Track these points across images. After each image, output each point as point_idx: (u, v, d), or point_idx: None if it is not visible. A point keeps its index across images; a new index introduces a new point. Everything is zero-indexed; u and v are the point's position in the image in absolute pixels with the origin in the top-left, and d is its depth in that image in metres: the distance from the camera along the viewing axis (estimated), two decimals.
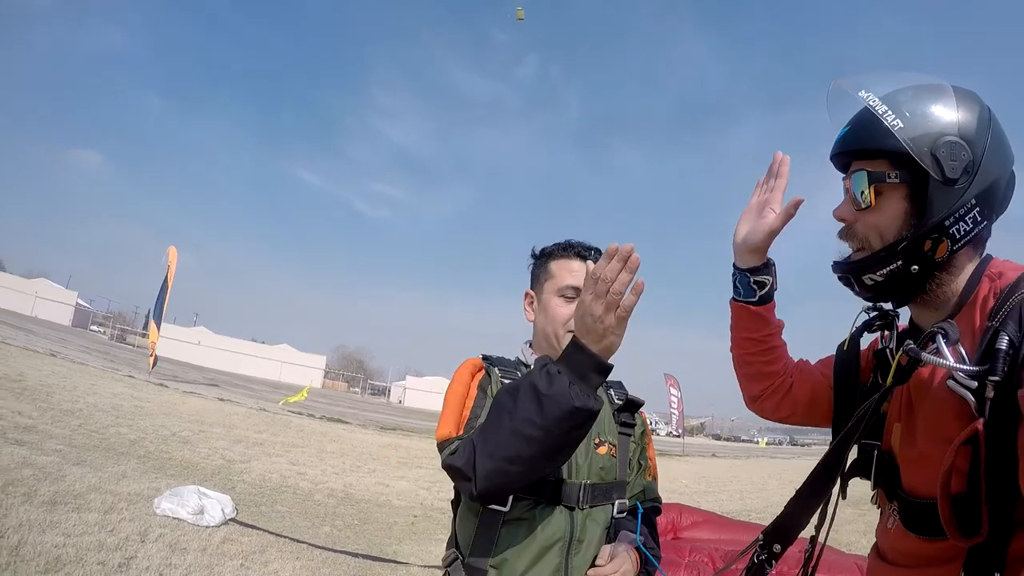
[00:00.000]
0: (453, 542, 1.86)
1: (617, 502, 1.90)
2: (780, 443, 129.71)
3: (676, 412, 44.87)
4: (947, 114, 1.24)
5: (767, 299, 1.63)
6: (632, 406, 2.05)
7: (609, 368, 1.48)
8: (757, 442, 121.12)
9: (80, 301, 67.17)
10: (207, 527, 6.40)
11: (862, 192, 1.32)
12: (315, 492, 9.68)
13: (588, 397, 1.44)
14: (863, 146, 1.33)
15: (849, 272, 1.36)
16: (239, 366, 61.49)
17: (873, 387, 1.42)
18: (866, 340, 1.58)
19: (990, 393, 1.05)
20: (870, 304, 1.45)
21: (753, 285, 1.59)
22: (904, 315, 1.47)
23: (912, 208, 1.26)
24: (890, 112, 1.24)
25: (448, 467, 1.63)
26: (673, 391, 43.95)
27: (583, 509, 1.79)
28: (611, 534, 1.87)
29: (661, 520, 7.69)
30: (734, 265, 1.64)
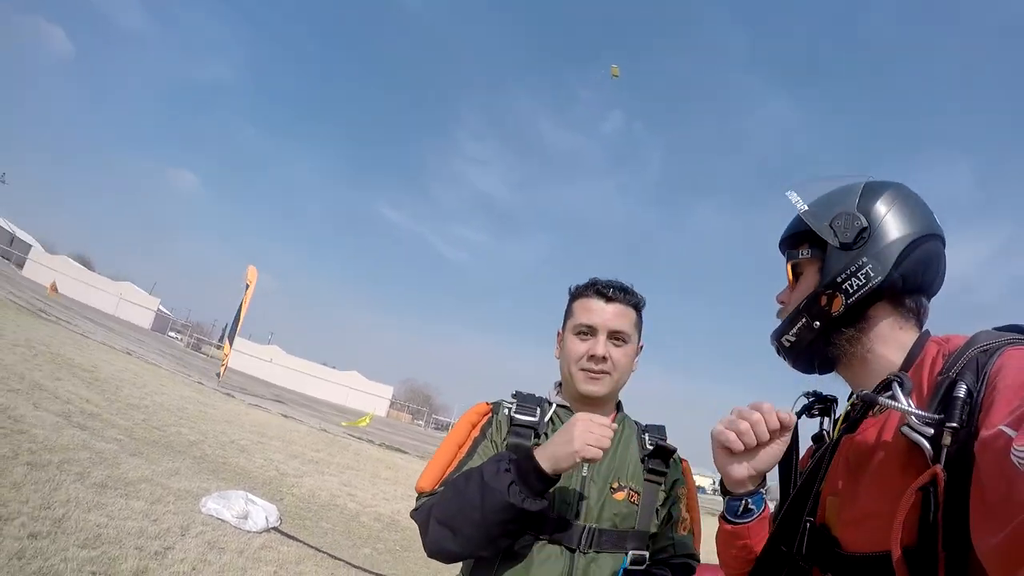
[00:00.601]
0: (464, 572, 1.84)
1: (632, 552, 1.78)
2: None
3: None
4: (850, 196, 1.37)
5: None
6: (663, 453, 1.94)
7: (554, 480, 1.60)
8: None
9: (162, 308, 69.37)
10: (249, 532, 6.37)
11: (787, 272, 1.47)
12: (362, 514, 9.59)
13: (524, 498, 1.55)
14: (787, 234, 1.49)
15: (774, 338, 1.46)
16: (307, 387, 62.30)
17: (812, 471, 1.39)
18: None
19: (947, 440, 1.04)
20: (810, 392, 1.51)
21: (751, 505, 1.45)
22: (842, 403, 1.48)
23: (821, 277, 1.37)
24: (802, 201, 1.42)
25: (413, 518, 1.75)
26: None
27: (586, 553, 1.74)
28: None
29: None
30: (726, 490, 1.48)
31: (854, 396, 1.33)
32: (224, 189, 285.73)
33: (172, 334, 69.45)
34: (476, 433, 1.89)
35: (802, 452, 1.50)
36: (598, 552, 1.75)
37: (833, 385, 1.46)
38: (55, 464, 6.07)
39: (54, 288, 37.73)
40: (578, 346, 1.90)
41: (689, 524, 1.97)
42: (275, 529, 6.82)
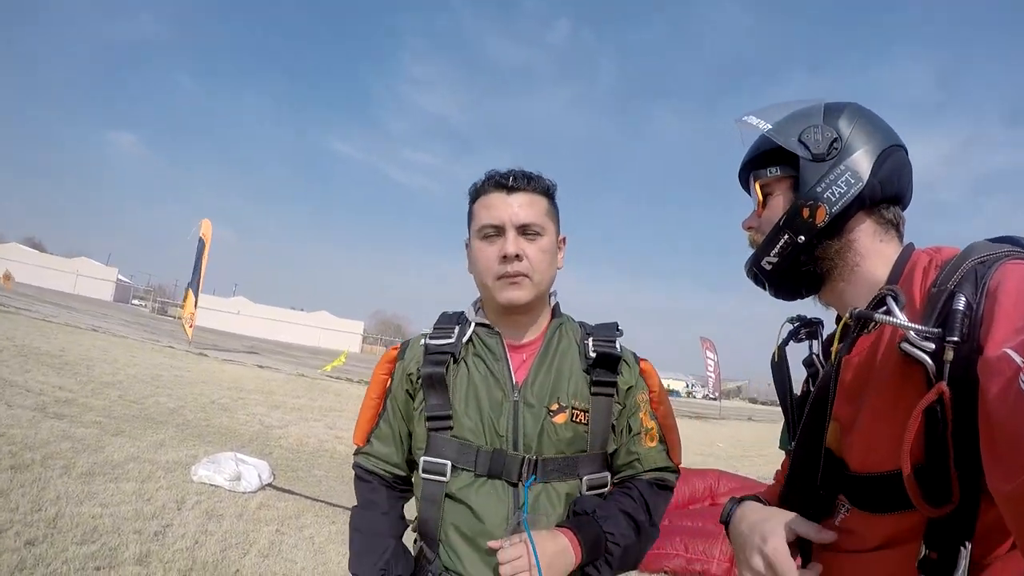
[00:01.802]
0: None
1: (587, 478, 1.67)
2: None
3: (712, 375, 44.65)
4: (812, 114, 1.35)
5: None
6: (605, 361, 1.71)
7: None
8: None
9: (120, 277, 68.37)
10: (244, 493, 6.46)
11: (756, 192, 1.42)
12: (352, 456, 9.71)
13: None
14: (750, 156, 1.44)
15: (751, 264, 1.41)
16: (278, 334, 62.28)
17: (805, 395, 1.41)
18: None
19: (949, 356, 1.01)
20: (795, 316, 1.49)
21: None
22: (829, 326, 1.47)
23: (795, 194, 1.33)
24: (763, 122, 1.39)
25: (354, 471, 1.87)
26: (709, 354, 43.68)
27: (530, 486, 1.60)
28: (569, 514, 1.64)
29: (699, 485, 7.72)
30: None
31: (848, 314, 1.25)
32: (167, 146, 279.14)
33: (135, 302, 68.75)
34: (389, 383, 1.81)
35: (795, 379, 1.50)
36: (546, 483, 1.62)
37: (814, 308, 1.45)
38: (38, 461, 6.06)
39: (7, 278, 36.89)
40: (486, 250, 1.67)
41: (657, 432, 1.77)
42: (270, 486, 6.92)
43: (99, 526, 4.83)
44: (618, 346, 1.74)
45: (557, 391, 1.67)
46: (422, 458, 1.67)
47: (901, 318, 1.09)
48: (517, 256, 1.64)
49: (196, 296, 26.76)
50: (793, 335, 1.48)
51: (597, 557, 1.58)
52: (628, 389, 1.74)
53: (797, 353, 1.48)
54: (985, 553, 1.01)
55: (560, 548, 1.51)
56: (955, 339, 1.01)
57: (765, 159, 1.40)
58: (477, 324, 1.77)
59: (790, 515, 1.25)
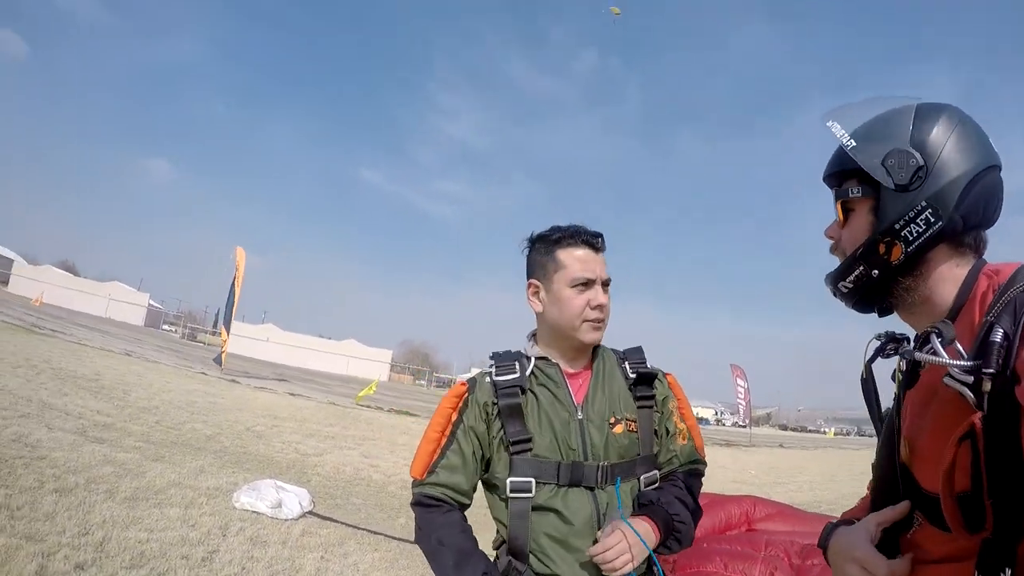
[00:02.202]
0: (501, 530, 1.98)
1: (643, 476, 1.98)
2: (848, 433, 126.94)
3: (743, 402, 44.23)
4: (901, 128, 1.29)
5: None
6: (647, 378, 2.05)
7: None
8: (824, 432, 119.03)
9: (152, 302, 68.95)
10: (286, 520, 6.40)
11: (837, 211, 1.42)
12: (388, 484, 9.67)
13: None
14: (832, 170, 1.42)
15: (829, 282, 1.43)
16: (307, 361, 62.43)
17: (891, 417, 1.42)
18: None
19: (987, 387, 1.04)
20: (882, 333, 1.47)
21: None
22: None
23: (876, 219, 1.32)
24: (847, 135, 1.34)
25: (413, 509, 1.97)
26: (740, 381, 43.33)
27: (604, 489, 1.89)
28: (636, 506, 1.93)
29: (735, 511, 7.57)
30: None
31: (900, 355, 1.34)
32: (200, 172, 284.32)
33: (166, 327, 69.23)
34: (455, 417, 1.97)
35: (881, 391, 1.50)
36: (616, 485, 1.90)
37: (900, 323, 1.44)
38: (82, 485, 6.05)
39: (40, 299, 37.41)
40: (578, 298, 1.96)
41: (687, 432, 2.10)
42: (311, 513, 6.85)
43: (146, 551, 4.79)
44: (649, 366, 2.09)
45: (613, 407, 1.98)
46: (508, 479, 1.88)
47: (943, 356, 1.11)
48: (603, 306, 1.98)
49: (228, 325, 26.98)
50: (880, 351, 1.46)
51: (669, 535, 1.88)
52: (664, 399, 2.08)
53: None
54: None
55: (646, 529, 1.81)
56: (991, 371, 1.04)
57: (848, 174, 1.38)
58: (536, 358, 2.04)
59: (867, 521, 1.31)
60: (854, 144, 1.32)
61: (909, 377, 1.32)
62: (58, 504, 5.37)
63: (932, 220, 1.24)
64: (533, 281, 2.06)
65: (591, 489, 1.87)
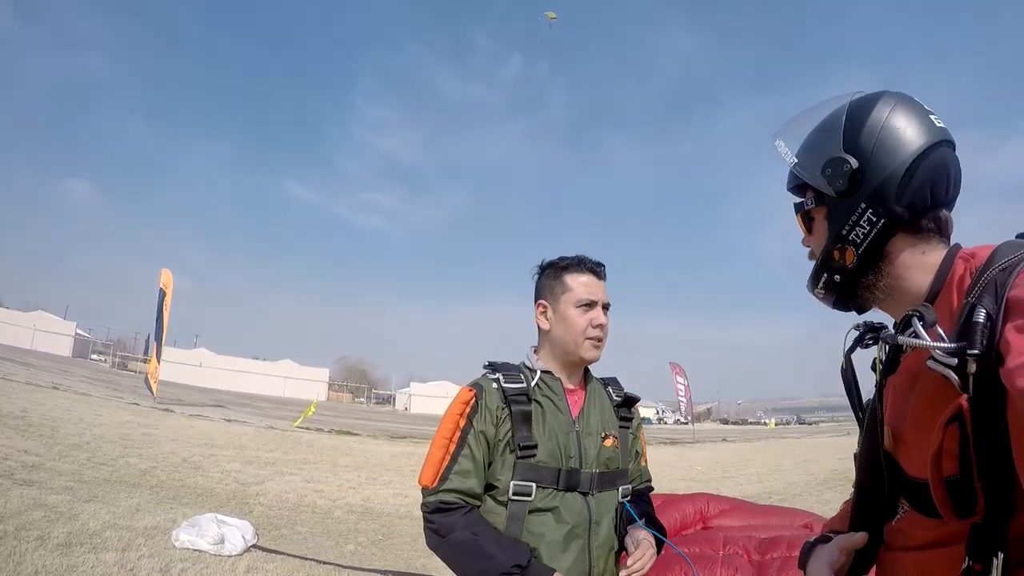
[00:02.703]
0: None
1: (621, 488, 2.20)
2: (788, 423, 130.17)
3: (684, 400, 44.95)
4: (834, 134, 1.33)
5: None
6: (629, 402, 2.35)
7: None
8: (766, 423, 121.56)
9: (79, 331, 66.91)
10: (229, 556, 6.20)
11: (800, 224, 1.46)
12: (334, 509, 9.50)
13: None
14: (790, 185, 1.47)
15: (808, 288, 1.46)
16: (243, 385, 61.35)
17: (873, 405, 1.44)
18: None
19: (972, 368, 1.04)
20: (860, 323, 1.50)
21: None
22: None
23: (828, 225, 1.36)
24: (790, 153, 1.40)
25: (426, 518, 2.03)
26: (679, 379, 44.00)
27: (594, 495, 2.10)
28: (618, 517, 2.15)
29: (688, 510, 7.66)
30: None
31: (882, 338, 1.37)
32: (123, 193, 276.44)
33: (95, 357, 67.17)
34: (463, 423, 2.07)
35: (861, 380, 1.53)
36: (601, 491, 2.12)
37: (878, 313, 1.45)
38: (11, 533, 5.78)
39: None
40: (582, 318, 2.19)
41: (645, 454, 2.44)
42: (255, 547, 6.66)
43: None
44: (626, 392, 2.36)
45: (605, 424, 2.21)
46: (512, 482, 2.02)
47: (924, 339, 1.12)
48: (603, 326, 2.22)
49: (159, 349, 26.30)
50: (859, 341, 1.50)
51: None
52: (638, 425, 2.40)
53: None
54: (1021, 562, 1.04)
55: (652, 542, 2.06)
56: (975, 352, 1.03)
57: (802, 187, 1.43)
58: (542, 372, 2.22)
59: (832, 546, 1.36)
60: (796, 162, 1.39)
61: (889, 364, 1.35)
62: None
63: (874, 219, 1.27)
64: (542, 302, 2.29)
65: (584, 494, 2.08)
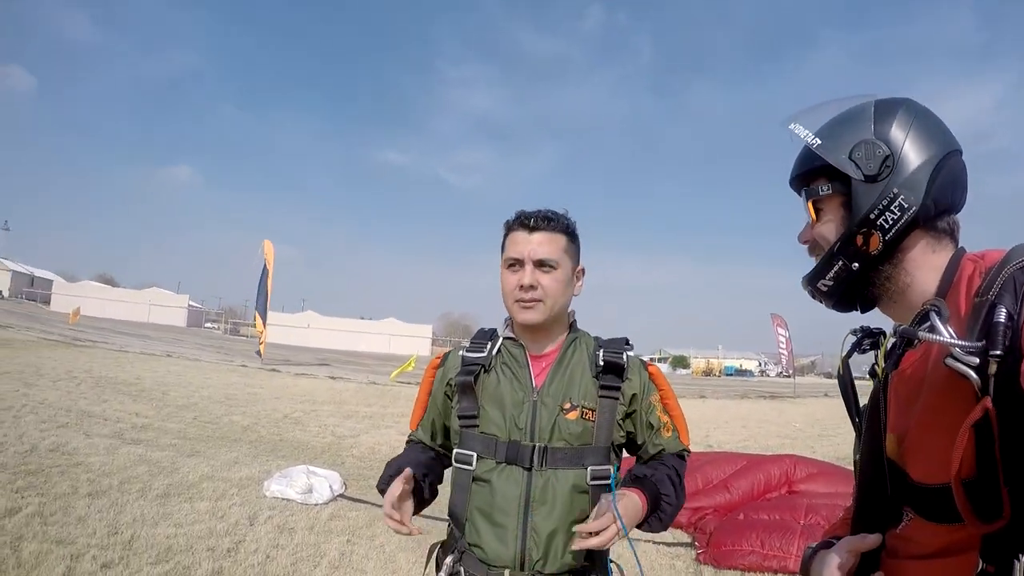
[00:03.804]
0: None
1: (591, 468, 1.92)
2: None
3: (785, 352, 43.64)
4: (864, 122, 1.31)
5: None
6: (613, 368, 2.01)
7: None
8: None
9: (192, 303, 70.15)
10: (315, 505, 6.50)
11: (809, 210, 1.41)
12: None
13: None
14: (798, 171, 1.43)
15: (807, 283, 1.43)
16: (349, 344, 63.27)
17: (872, 410, 1.41)
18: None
19: (992, 369, 1.01)
20: (858, 328, 1.50)
21: None
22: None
23: (847, 213, 1.32)
24: (811, 134, 1.35)
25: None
26: (781, 331, 42.70)
27: (541, 471, 1.89)
28: (590, 501, 1.90)
29: (774, 472, 7.58)
30: None
31: (893, 331, 1.32)
32: (223, 174, 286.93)
33: (208, 325, 70.52)
34: (430, 385, 2.15)
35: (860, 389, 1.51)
36: (555, 469, 1.90)
37: (876, 318, 1.44)
38: (115, 487, 6.22)
39: (77, 313, 38.10)
40: (509, 279, 2.01)
41: (671, 424, 2.06)
42: (341, 496, 6.96)
43: (173, 546, 4.91)
44: (624, 357, 2.03)
45: (569, 392, 1.97)
46: (455, 450, 1.99)
47: (944, 334, 1.09)
48: (532, 286, 1.95)
49: (264, 316, 27.37)
50: (857, 346, 1.49)
51: (654, 512, 1.88)
52: (633, 395, 2.02)
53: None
54: None
55: (634, 503, 1.79)
56: (998, 352, 1.01)
57: (815, 173, 1.38)
58: (505, 338, 2.09)
59: (840, 548, 1.31)
60: (819, 142, 1.33)
61: (895, 361, 1.32)
62: (90, 507, 5.54)
63: (906, 206, 1.25)
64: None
65: (528, 469, 1.89)
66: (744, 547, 5.65)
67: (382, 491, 1.89)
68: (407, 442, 2.22)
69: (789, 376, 47.69)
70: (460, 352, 2.10)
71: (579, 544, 1.69)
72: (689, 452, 2.12)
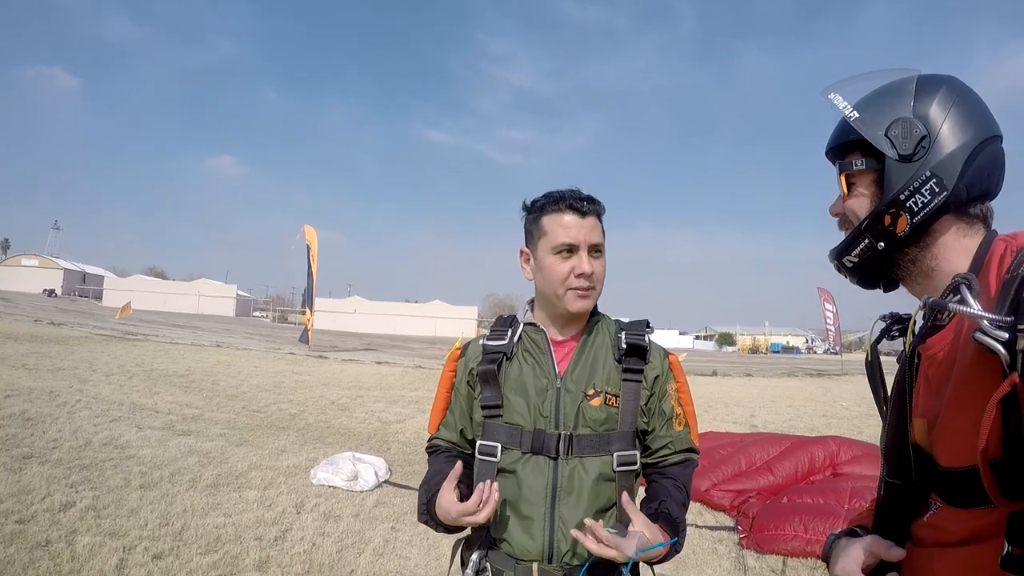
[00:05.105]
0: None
1: (617, 454, 1.87)
2: None
3: (832, 328, 42.82)
4: (904, 98, 1.29)
5: None
6: (637, 350, 1.96)
7: (454, 528, 1.85)
8: None
9: (240, 292, 71.37)
10: (361, 492, 6.60)
11: (841, 184, 1.40)
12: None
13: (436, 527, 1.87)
14: (834, 143, 1.41)
15: (833, 257, 1.42)
16: (395, 328, 63.86)
17: (898, 395, 1.39)
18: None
19: (1021, 344, 0.98)
20: (887, 314, 1.47)
21: None
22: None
23: (879, 190, 1.31)
24: (849, 107, 1.33)
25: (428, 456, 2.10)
26: (828, 306, 41.90)
27: (568, 459, 1.84)
28: (616, 488, 1.86)
29: (819, 454, 7.48)
30: None
31: (922, 303, 1.28)
32: (266, 162, 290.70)
33: (257, 314, 71.81)
34: (451, 379, 2.07)
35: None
36: (581, 457, 1.85)
37: (906, 300, 1.43)
38: (166, 478, 6.37)
39: (127, 308, 38.90)
40: (561, 266, 1.90)
41: (684, 418, 2.01)
42: (387, 482, 7.06)
43: (222, 535, 5.02)
44: (646, 339, 1.98)
45: (592, 378, 1.92)
46: (479, 442, 1.94)
47: (974, 307, 1.07)
48: (591, 273, 1.90)
49: (311, 302, 27.70)
50: (885, 332, 1.47)
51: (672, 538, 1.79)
52: (656, 377, 1.97)
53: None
54: None
55: (655, 537, 1.71)
56: None
57: (850, 146, 1.37)
58: (525, 324, 2.03)
59: (863, 544, 1.30)
60: (857, 116, 1.32)
61: (923, 335, 1.29)
62: (142, 499, 5.68)
63: (937, 190, 1.23)
64: (524, 249, 2.04)
65: (554, 459, 1.85)
66: (787, 531, 5.59)
67: (425, 521, 1.90)
68: (429, 450, 2.11)
69: (836, 353, 46.87)
70: (481, 341, 2.05)
71: (579, 536, 1.66)
72: (698, 452, 2.06)
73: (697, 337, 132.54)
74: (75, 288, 74.85)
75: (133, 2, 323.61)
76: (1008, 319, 1.01)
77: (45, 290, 73.34)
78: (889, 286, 1.41)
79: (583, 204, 1.92)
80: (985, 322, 1.03)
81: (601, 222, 1.98)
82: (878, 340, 1.47)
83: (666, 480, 1.96)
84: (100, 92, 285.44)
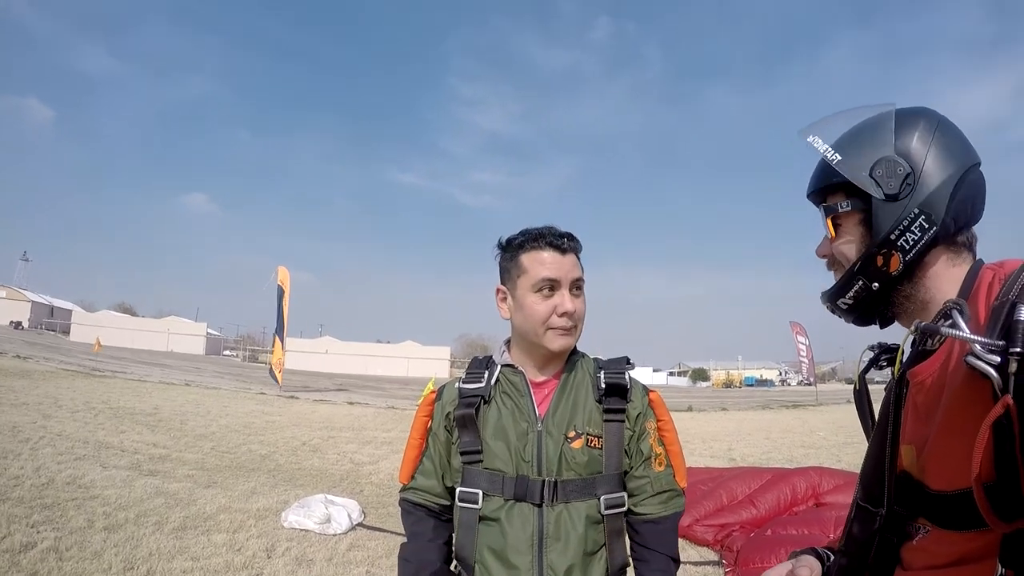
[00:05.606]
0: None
1: (604, 497, 1.83)
2: None
3: (806, 360, 43.46)
4: (884, 135, 1.29)
5: None
6: (617, 389, 1.90)
7: None
8: None
9: (210, 331, 70.75)
10: (334, 535, 6.41)
11: (828, 227, 1.39)
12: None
13: None
14: (817, 186, 1.41)
15: (827, 300, 1.41)
16: (367, 368, 63.48)
17: (882, 422, 1.37)
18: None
19: (1013, 368, 0.98)
20: (875, 344, 1.47)
21: None
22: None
23: (867, 230, 1.31)
24: (831, 150, 1.33)
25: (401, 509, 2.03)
26: (800, 339, 42.61)
27: (554, 506, 1.79)
28: (605, 531, 1.84)
29: (801, 485, 7.48)
30: None
31: (913, 327, 1.24)
32: (238, 201, 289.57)
33: (227, 353, 71.07)
34: (425, 425, 2.01)
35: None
36: (567, 503, 1.80)
37: (895, 333, 1.41)
38: (132, 520, 6.15)
39: (99, 344, 38.45)
40: (542, 304, 1.86)
41: (665, 458, 1.95)
42: (360, 525, 6.86)
43: None
44: (627, 377, 1.93)
45: (573, 420, 1.86)
46: (458, 489, 1.87)
47: (966, 330, 1.07)
48: (572, 312, 1.86)
49: (282, 342, 27.43)
50: (874, 362, 1.46)
51: None
52: (637, 415, 1.92)
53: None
54: None
55: None
56: (1018, 350, 0.98)
57: (834, 188, 1.37)
58: (503, 365, 1.97)
59: (800, 559, 1.40)
60: (839, 158, 1.31)
61: (912, 360, 1.29)
62: (106, 541, 5.47)
63: (926, 226, 1.24)
64: (500, 287, 1.99)
65: (539, 505, 1.79)
66: (773, 563, 5.50)
67: None
68: (402, 503, 2.03)
69: (811, 384, 47.41)
70: (456, 384, 1.99)
71: None
72: (683, 495, 2.01)
73: (671, 373, 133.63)
74: (42, 321, 73.74)
75: (109, 33, 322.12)
76: (1000, 343, 1.01)
77: (12, 322, 72.44)
78: (885, 323, 1.39)
79: (563, 241, 1.90)
80: (977, 346, 1.03)
81: (579, 259, 1.96)
82: (866, 369, 1.48)
83: (652, 569, 1.90)
84: (75, 124, 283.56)
